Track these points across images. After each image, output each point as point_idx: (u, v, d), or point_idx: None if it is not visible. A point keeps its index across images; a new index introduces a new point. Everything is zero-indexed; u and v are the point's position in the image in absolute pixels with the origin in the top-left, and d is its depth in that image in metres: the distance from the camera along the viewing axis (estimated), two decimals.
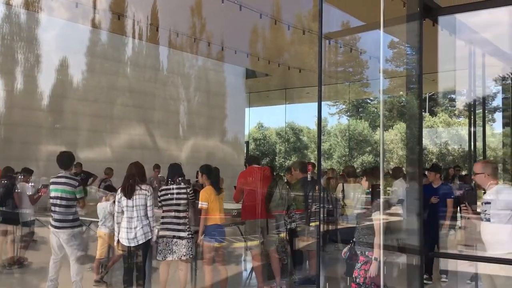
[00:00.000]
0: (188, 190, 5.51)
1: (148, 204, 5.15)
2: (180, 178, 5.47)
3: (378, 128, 22.94)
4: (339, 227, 6.73)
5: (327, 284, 5.97)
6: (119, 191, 5.29)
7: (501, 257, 3.91)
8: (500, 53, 5.93)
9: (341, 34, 11.62)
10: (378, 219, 4.07)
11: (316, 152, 23.75)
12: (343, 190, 7.32)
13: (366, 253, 4.15)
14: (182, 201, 5.41)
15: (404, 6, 4.25)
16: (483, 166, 4.28)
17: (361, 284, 4.14)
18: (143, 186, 5.19)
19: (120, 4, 9.82)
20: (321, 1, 3.47)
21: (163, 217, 5.42)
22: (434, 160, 19.76)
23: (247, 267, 7.27)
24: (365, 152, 21.60)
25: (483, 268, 4.27)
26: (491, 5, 4.41)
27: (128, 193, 5.13)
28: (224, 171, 10.52)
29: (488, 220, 4.03)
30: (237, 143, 14.86)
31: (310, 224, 5.85)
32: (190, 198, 5.51)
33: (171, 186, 5.45)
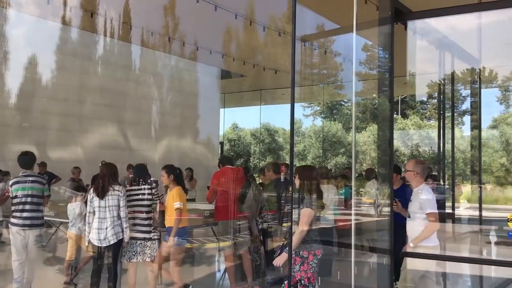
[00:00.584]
0: (153, 191, 5.45)
1: (121, 205, 5.11)
2: (142, 180, 5.42)
3: (352, 129, 23.21)
4: (313, 227, 6.77)
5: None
6: (91, 191, 5.23)
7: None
8: (469, 58, 6.09)
9: (317, 37, 11.73)
10: (304, 212, 4.15)
11: (289, 153, 23.85)
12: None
13: (301, 252, 4.14)
14: (147, 202, 5.37)
15: (378, 9, 4.32)
16: (414, 164, 4.47)
17: (307, 284, 4.13)
18: (116, 187, 5.14)
19: (92, 1, 9.65)
20: (294, 3, 3.49)
21: (128, 218, 5.37)
22: (405, 161, 20.12)
23: (220, 268, 7.25)
24: (339, 154, 21.83)
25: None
26: (459, 11, 4.55)
27: (101, 194, 5.08)
28: (197, 171, 10.50)
29: (409, 217, 4.29)
30: (211, 144, 14.81)
31: (283, 225, 5.86)
32: (155, 199, 5.46)
33: (135, 187, 5.40)
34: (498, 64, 11.20)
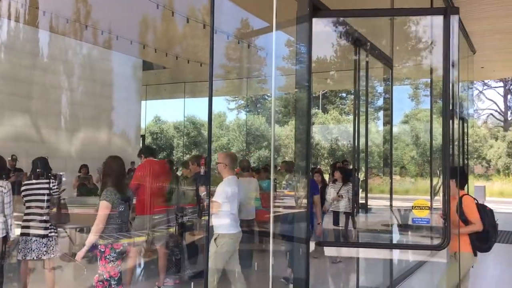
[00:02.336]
0: (51, 185, 5.21)
1: (6, 201, 4.79)
2: (41, 174, 5.17)
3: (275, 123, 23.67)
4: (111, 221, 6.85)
5: (216, 276, 6.05)
6: None
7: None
8: (381, 56, 6.41)
9: (251, 35, 11.82)
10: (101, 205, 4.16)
11: (214, 146, 23.85)
12: None
13: (99, 246, 4.17)
14: (44, 197, 5.13)
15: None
16: (223, 156, 4.90)
17: (109, 279, 4.15)
18: (0, 183, 4.83)
19: None
20: None
21: (24, 214, 5.10)
22: (325, 155, 20.88)
23: (140, 263, 7.11)
24: (262, 147, 22.17)
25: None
26: (374, 14, 4.86)
27: None
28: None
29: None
30: (132, 137, 14.39)
31: (202, 218, 5.87)
32: (53, 194, 5.23)
33: (33, 181, 5.15)
34: (409, 63, 11.94)
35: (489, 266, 8.65)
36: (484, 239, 4.54)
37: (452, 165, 10.66)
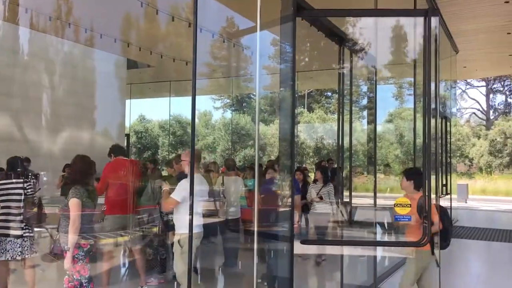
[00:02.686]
0: (26, 185, 5.15)
1: None
2: (15, 173, 5.11)
3: (260, 122, 23.69)
4: (217, 220, 6.85)
5: (200, 275, 6.06)
6: None
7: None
8: (367, 56, 6.47)
9: (237, 35, 11.79)
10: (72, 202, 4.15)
11: (197, 146, 23.78)
12: (223, 183, 7.43)
13: (66, 246, 4.15)
14: (17, 197, 5.07)
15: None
16: (186, 154, 4.84)
17: (79, 278, 4.15)
18: None
19: None
20: None
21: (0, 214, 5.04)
22: (311, 153, 20.96)
23: (125, 263, 7.06)
24: (247, 146, 22.17)
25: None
26: (358, 14, 4.93)
27: None
28: (101, 164, 10.03)
29: None
30: (116, 135, 14.26)
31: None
32: (28, 194, 5.17)
33: (7, 181, 5.09)
34: (393, 62, 12.06)
35: (473, 264, 8.79)
36: (444, 237, 4.63)
37: (436, 163, 10.80)
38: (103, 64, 13.69)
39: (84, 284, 4.15)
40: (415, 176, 4.68)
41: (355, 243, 4.90)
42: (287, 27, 4.17)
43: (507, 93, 42.61)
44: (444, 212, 4.77)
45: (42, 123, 11.95)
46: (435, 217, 4.51)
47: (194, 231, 4.62)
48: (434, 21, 3.96)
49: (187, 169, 4.78)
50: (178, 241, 4.64)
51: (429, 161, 4.00)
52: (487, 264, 8.62)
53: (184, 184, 4.65)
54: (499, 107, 43.35)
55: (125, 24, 10.72)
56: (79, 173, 4.31)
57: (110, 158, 5.92)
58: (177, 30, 10.59)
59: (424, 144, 3.95)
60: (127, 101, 15.76)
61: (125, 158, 5.90)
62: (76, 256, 4.13)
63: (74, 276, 4.12)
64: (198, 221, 4.82)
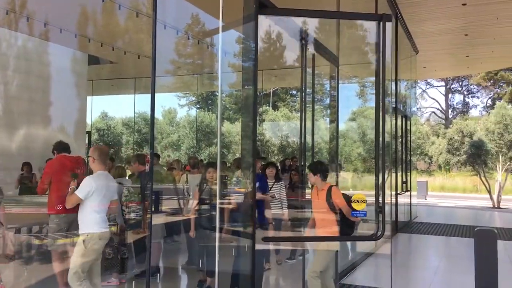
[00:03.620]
0: None
1: None
2: None
3: (225, 120, 23.63)
4: (181, 218, 6.81)
5: (159, 274, 6.01)
6: None
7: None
8: (328, 54, 6.54)
9: (208, 34, 11.69)
10: None
11: (162, 144, 23.51)
12: (186, 181, 7.39)
13: None
14: None
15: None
16: (92, 150, 4.71)
17: None
18: None
19: None
20: None
21: None
22: (275, 151, 21.07)
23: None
24: (212, 144, 22.07)
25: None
26: (319, 15, 5.04)
27: None
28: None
29: None
30: (77, 133, 13.90)
31: (148, 216, 5.76)
32: None
33: None
34: (356, 62, 12.27)
35: (430, 258, 9.07)
36: (351, 225, 4.82)
37: (396, 161, 11.09)
38: (64, 60, 13.31)
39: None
40: (320, 168, 4.93)
41: (312, 239, 5.01)
42: (249, 25, 4.18)
43: (465, 93, 44.19)
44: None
45: (10, 122, 11.54)
46: (343, 203, 4.69)
47: (102, 230, 4.48)
48: (389, 25, 4.13)
49: (94, 167, 4.58)
50: (83, 241, 4.38)
51: (383, 159, 4.13)
52: (444, 258, 8.90)
53: (88, 180, 4.48)
54: (458, 107, 44.91)
55: (85, 19, 10.48)
56: None
57: (54, 155, 5.71)
58: (141, 27, 10.44)
59: (377, 142, 4.06)
60: (89, 98, 15.39)
61: (69, 155, 5.69)
62: None
63: None
64: (104, 220, 4.56)
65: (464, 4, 9.66)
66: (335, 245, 5.01)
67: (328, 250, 4.91)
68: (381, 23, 4.11)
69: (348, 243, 7.55)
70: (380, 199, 3.98)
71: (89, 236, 4.40)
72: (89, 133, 13.47)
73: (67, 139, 5.77)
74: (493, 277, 3.95)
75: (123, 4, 9.15)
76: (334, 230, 4.85)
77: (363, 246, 8.28)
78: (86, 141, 12.99)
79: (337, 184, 6.92)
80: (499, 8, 9.92)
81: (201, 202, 5.71)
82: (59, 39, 11.55)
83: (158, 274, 6.05)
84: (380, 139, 4.03)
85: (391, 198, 9.79)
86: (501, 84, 39.29)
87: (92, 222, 4.44)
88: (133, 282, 4.99)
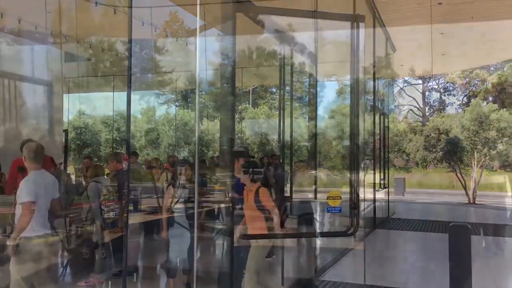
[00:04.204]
0: None
1: None
2: None
3: (205, 118, 23.52)
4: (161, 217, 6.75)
5: (135, 273, 5.97)
6: None
7: None
8: (306, 52, 6.59)
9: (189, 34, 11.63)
10: None
11: (141, 142, 23.29)
12: (166, 180, 7.33)
13: None
14: None
15: None
16: (24, 148, 4.17)
17: None
18: None
19: None
20: None
21: None
22: (255, 149, 21.08)
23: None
24: (192, 142, 21.94)
25: None
26: (297, 15, 5.08)
27: None
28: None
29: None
30: (54, 132, 13.66)
31: (125, 215, 5.70)
32: None
33: None
34: (334, 60, 12.35)
35: (408, 254, 9.21)
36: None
37: (374, 158, 11.22)
38: (38, 58, 13.07)
39: None
40: (251, 169, 4.85)
41: (290, 235, 5.04)
42: (227, 23, 4.17)
43: (441, 91, 44.92)
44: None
45: None
46: (269, 204, 4.64)
47: (42, 233, 4.07)
48: (368, 24, 4.21)
49: (27, 167, 4.14)
50: (17, 246, 3.89)
51: (356, 158, 4.21)
52: (421, 253, 9.05)
53: (25, 184, 4.02)
54: (434, 104, 45.64)
55: (61, 16, 10.30)
56: None
57: (22, 153, 5.57)
58: (118, 24, 10.31)
59: (352, 139, 4.12)
60: (65, 96, 15.12)
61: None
62: None
63: None
64: (44, 221, 4.10)
65: (440, 4, 9.83)
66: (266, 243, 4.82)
67: (259, 247, 4.70)
68: (355, 23, 4.20)
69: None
70: (354, 195, 4.03)
71: (26, 240, 3.93)
72: (66, 131, 13.23)
73: (43, 138, 5.67)
74: (467, 271, 4.04)
75: (102, 2, 9.04)
76: (262, 228, 4.67)
77: (342, 243, 8.35)
78: (63, 140, 12.75)
79: (315, 181, 7.00)
80: (474, 8, 10.13)
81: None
82: (34, 35, 11.35)
83: (135, 274, 6.00)
84: (354, 134, 4.09)
85: (365, 195, 9.87)
86: (476, 82, 40.09)
87: (31, 225, 3.97)
88: (109, 282, 4.93)
